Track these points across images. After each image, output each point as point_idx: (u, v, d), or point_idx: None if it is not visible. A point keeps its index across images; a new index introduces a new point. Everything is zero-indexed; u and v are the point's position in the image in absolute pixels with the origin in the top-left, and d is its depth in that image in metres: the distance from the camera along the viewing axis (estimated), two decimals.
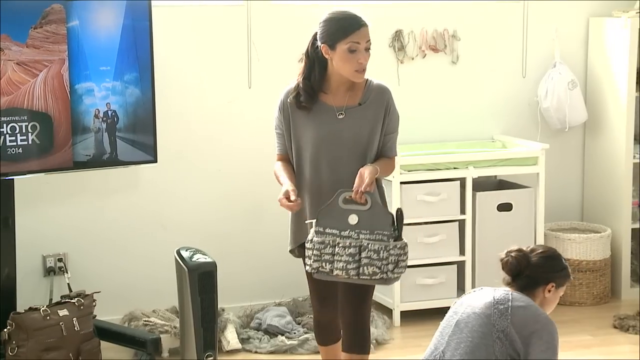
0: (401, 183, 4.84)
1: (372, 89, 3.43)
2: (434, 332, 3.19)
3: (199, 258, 4.27)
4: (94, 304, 4.26)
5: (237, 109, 5.00)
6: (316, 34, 3.40)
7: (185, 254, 4.30)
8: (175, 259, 4.35)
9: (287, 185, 3.38)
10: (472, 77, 5.34)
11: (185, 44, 4.88)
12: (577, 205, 5.64)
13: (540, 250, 3.17)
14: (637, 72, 5.24)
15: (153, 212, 4.89)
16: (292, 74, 5.01)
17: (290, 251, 3.58)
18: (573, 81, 5.30)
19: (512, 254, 3.15)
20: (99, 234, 4.81)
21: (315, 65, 3.40)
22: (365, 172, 3.29)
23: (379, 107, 3.40)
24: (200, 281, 4.20)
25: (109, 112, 4.38)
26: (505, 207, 5.07)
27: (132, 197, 4.85)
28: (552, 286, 3.14)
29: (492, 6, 5.32)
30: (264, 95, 4.99)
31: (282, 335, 4.65)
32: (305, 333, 4.63)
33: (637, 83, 5.25)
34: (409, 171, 4.85)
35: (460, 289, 5.03)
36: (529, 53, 5.39)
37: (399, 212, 3.29)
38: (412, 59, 5.21)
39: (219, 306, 4.37)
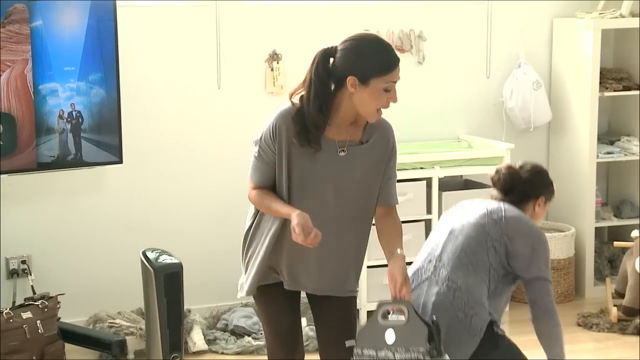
0: None
1: (376, 125, 3.00)
2: None
3: (165, 259, 4.25)
4: (58, 306, 4.22)
5: (205, 109, 4.98)
6: (327, 53, 2.87)
7: (151, 255, 4.28)
8: (141, 260, 4.32)
9: (297, 213, 2.80)
10: (438, 77, 5.36)
11: (152, 44, 4.85)
12: None
13: (529, 167, 3.29)
14: (600, 73, 5.29)
15: (118, 213, 4.86)
16: (260, 74, 5.05)
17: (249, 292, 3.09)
18: (537, 81, 5.34)
19: (504, 171, 3.26)
20: (64, 235, 4.77)
21: (328, 94, 2.86)
22: (395, 271, 2.86)
23: (383, 147, 3.00)
24: (166, 282, 4.18)
25: (74, 113, 4.34)
26: None
27: (97, 198, 4.81)
28: (542, 200, 3.26)
29: (457, 7, 5.34)
30: (233, 96, 4.98)
31: (249, 335, 4.64)
32: None
33: (600, 83, 5.30)
34: None
35: None
36: (493, 53, 5.42)
37: (436, 323, 2.87)
38: None
39: (185, 307, 4.35)
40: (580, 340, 4.78)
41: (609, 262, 5.56)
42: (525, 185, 3.24)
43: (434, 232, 3.25)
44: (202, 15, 4.91)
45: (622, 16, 5.28)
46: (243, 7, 4.98)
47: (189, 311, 4.69)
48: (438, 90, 5.38)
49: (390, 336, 2.81)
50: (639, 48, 5.41)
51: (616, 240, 5.23)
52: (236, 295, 4.94)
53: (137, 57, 4.78)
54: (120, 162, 4.50)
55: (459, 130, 5.41)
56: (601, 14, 5.29)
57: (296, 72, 5.11)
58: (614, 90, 5.33)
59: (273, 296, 3.07)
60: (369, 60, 2.84)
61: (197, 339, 4.56)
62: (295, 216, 2.80)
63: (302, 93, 2.90)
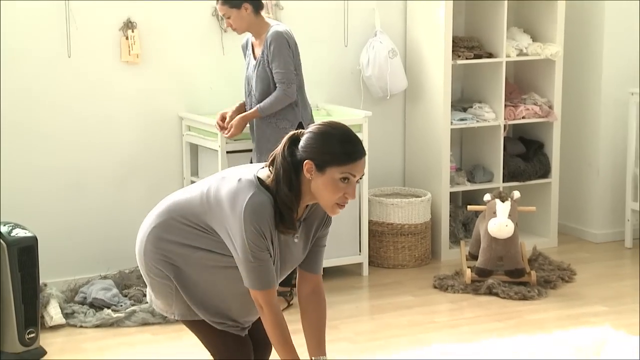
0: (227, 152, 4.83)
1: None
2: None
3: (18, 232, 4.13)
4: None
5: (55, 79, 4.84)
6: (294, 137, 2.77)
7: (3, 229, 4.15)
8: None
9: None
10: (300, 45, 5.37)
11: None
12: (399, 171, 5.81)
13: None
14: (452, 41, 5.42)
15: None
16: (115, 43, 4.94)
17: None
18: (393, 50, 5.43)
19: None
20: None
21: (292, 177, 2.73)
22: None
23: (319, 218, 2.87)
24: (20, 256, 4.07)
25: None
26: None
27: None
28: None
29: None
30: (85, 65, 4.87)
31: (108, 308, 4.58)
32: (132, 305, 4.57)
33: (453, 52, 5.43)
34: (235, 140, 4.84)
35: None
36: (350, 22, 5.47)
37: None
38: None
39: (41, 281, 4.25)
40: (436, 302, 4.92)
41: (463, 226, 5.73)
42: None
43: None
44: None
45: None
46: None
47: (45, 285, 4.58)
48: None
49: None
50: (489, 17, 5.56)
51: (470, 204, 5.40)
52: (94, 267, 4.91)
53: None
54: None
55: (317, 99, 5.45)
56: None
57: (151, 41, 5.06)
58: (466, 58, 5.47)
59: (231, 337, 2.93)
60: (330, 146, 2.71)
61: (54, 313, 4.47)
62: None
63: (270, 177, 2.76)
